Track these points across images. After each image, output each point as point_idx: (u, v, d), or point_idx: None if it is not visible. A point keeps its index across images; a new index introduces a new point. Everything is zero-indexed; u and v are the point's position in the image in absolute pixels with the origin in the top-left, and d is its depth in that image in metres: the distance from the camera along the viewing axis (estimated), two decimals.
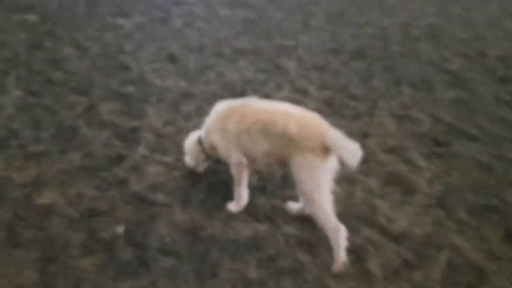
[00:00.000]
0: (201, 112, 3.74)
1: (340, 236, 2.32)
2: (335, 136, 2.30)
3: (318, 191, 2.31)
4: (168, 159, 3.26)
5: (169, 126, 3.72)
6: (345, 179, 3.10)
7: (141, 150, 3.35)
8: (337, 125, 2.45)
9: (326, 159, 2.28)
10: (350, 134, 2.42)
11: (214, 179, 3.06)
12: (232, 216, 2.73)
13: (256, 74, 4.84)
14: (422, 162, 3.42)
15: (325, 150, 2.27)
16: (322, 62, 5.28)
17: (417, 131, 3.88)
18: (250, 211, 2.78)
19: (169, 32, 5.99)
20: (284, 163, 2.62)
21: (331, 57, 5.48)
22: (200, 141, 2.84)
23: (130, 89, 4.28)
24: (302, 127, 2.32)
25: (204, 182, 3.02)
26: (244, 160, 2.60)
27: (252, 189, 2.87)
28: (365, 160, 3.42)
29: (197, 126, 3.41)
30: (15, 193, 2.78)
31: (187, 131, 3.57)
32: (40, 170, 3.03)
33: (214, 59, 5.18)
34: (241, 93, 4.36)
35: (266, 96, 4.33)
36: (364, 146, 3.59)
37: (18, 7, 6.89)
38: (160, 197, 2.85)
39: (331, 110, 4.14)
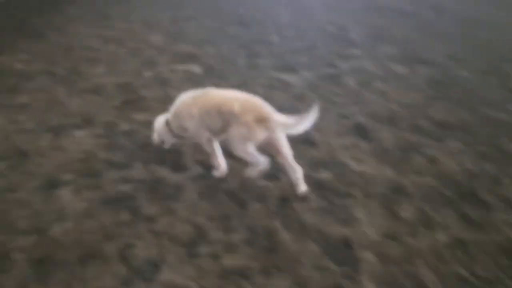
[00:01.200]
0: (425, 219, 2.77)
1: (262, 167, 3.06)
2: (277, 118, 2.96)
3: (245, 147, 2.97)
4: None
5: (390, 241, 2.75)
6: None
7: (366, 282, 2.41)
8: None
9: (255, 130, 2.89)
10: None
11: None
12: None
13: (480, 163, 3.68)
14: None
15: (258, 122, 2.88)
16: None
17: None
18: None
19: (346, 94, 5.14)
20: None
21: None
22: (168, 123, 3.34)
23: (324, 175, 3.44)
24: (243, 106, 2.93)
25: None
26: (210, 136, 3.22)
27: None
28: None
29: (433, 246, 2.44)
30: None
31: (419, 254, 2.60)
32: None
33: (413, 135, 4.14)
34: (471, 193, 3.26)
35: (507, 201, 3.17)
36: None
37: (181, 56, 6.74)
38: None
39: None
